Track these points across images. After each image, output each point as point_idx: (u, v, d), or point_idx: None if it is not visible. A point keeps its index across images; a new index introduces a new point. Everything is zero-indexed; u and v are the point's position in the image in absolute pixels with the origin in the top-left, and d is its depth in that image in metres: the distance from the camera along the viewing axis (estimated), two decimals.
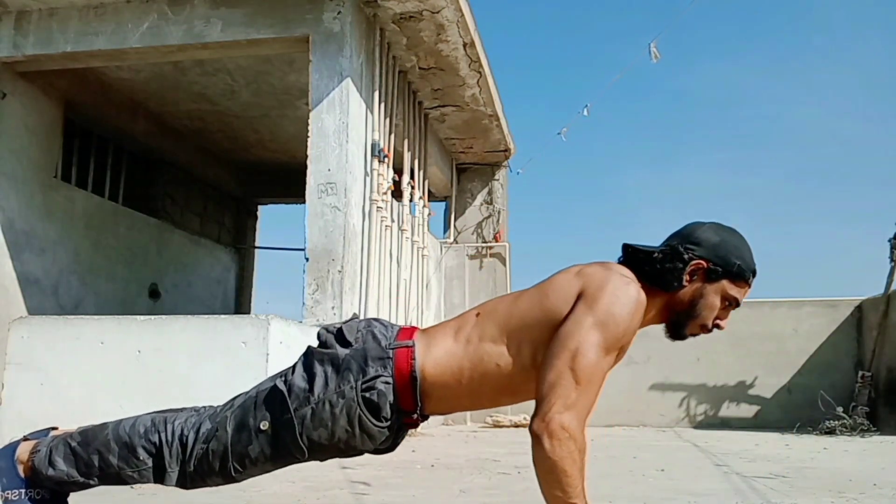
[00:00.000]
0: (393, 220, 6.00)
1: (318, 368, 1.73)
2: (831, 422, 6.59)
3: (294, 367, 1.78)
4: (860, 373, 7.02)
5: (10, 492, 1.80)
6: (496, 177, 8.70)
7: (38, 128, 6.03)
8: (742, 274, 1.74)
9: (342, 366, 1.71)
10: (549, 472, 1.54)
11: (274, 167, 9.02)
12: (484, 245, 8.56)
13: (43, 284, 6.11)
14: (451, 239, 8.57)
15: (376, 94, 5.49)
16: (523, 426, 7.37)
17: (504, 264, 8.54)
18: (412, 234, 6.64)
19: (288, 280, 17.53)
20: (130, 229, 7.46)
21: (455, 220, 8.65)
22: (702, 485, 3.22)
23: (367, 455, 1.81)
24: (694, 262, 1.72)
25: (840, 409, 6.66)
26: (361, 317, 1.89)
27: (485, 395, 1.74)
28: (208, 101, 7.13)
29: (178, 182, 8.61)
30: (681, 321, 1.76)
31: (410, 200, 6.52)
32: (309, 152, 4.95)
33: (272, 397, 1.74)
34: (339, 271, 4.79)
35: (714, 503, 2.73)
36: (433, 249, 7.77)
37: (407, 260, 6.51)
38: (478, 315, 1.77)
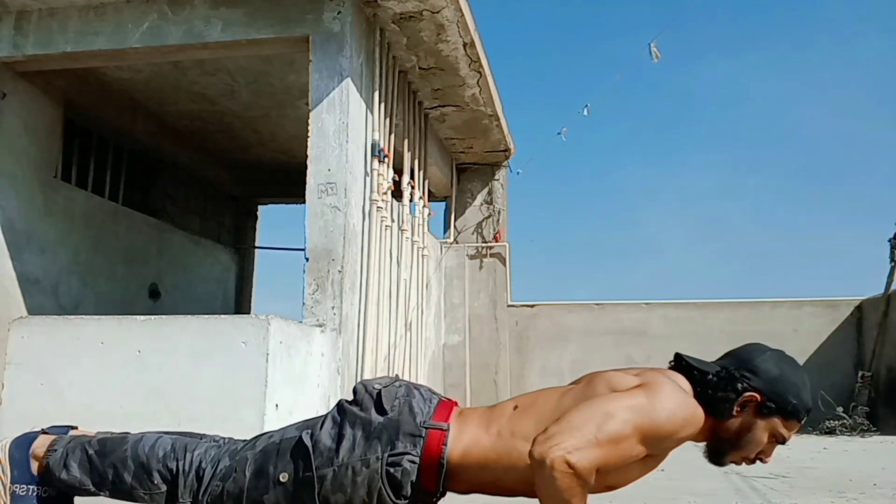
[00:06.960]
0: (393, 220, 6.00)
1: (348, 430, 1.68)
2: (831, 422, 6.59)
3: (323, 421, 1.73)
4: (860, 373, 7.02)
5: (18, 486, 1.79)
6: (496, 177, 8.70)
7: (38, 128, 6.03)
8: (796, 414, 1.66)
9: (373, 434, 1.66)
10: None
11: (274, 167, 9.01)
12: (484, 245, 8.56)
13: (43, 284, 6.10)
14: (451, 239, 8.57)
15: (376, 94, 5.49)
16: None
17: (504, 264, 8.54)
18: (412, 234, 6.64)
19: (288, 280, 17.47)
20: (130, 229, 7.45)
21: (455, 220, 8.65)
22: (702, 485, 3.22)
23: None
24: (748, 393, 1.65)
25: (840, 409, 6.66)
26: (400, 376, 1.86)
27: (506, 485, 1.69)
28: (208, 101, 7.13)
29: (178, 182, 8.61)
30: (723, 450, 1.70)
31: (410, 200, 6.52)
32: (309, 152, 4.95)
33: (296, 450, 1.70)
34: (339, 271, 4.79)
35: (714, 503, 2.73)
36: (433, 249, 7.77)
37: (407, 260, 6.51)
38: (515, 408, 1.72)
